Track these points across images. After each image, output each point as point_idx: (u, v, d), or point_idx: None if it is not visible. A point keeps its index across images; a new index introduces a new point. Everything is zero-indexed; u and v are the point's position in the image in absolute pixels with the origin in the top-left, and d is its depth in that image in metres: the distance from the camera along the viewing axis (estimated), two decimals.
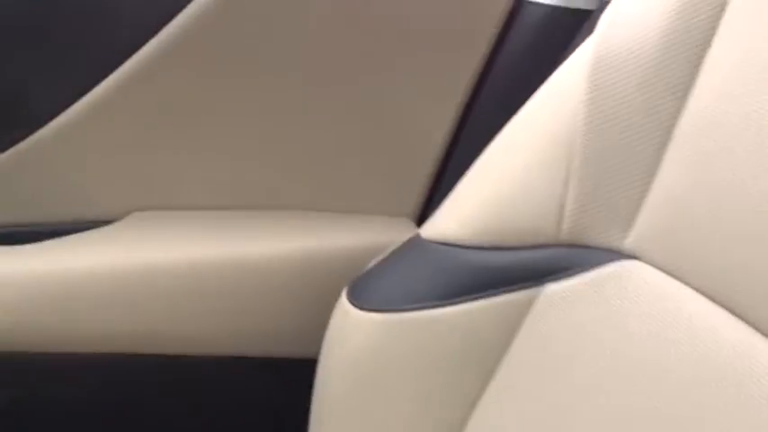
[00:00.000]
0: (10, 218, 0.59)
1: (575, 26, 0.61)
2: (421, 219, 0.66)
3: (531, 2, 0.61)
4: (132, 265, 0.61)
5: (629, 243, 0.45)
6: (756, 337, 0.36)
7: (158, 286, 0.60)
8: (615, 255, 0.46)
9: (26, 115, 0.58)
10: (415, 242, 0.54)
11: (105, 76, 0.57)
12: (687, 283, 0.41)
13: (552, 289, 0.48)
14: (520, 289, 0.49)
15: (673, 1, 0.44)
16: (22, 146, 0.57)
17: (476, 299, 0.50)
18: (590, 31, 0.48)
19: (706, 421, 0.37)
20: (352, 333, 0.55)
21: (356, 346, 0.54)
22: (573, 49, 0.50)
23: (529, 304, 0.49)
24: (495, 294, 0.49)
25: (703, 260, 0.40)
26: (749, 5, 0.41)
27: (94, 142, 0.60)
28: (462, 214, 0.52)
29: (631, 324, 0.44)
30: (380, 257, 0.57)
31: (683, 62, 0.43)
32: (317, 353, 0.58)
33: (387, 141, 0.63)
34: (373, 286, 0.55)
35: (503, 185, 0.51)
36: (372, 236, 0.63)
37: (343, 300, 0.56)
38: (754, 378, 0.35)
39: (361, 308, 0.54)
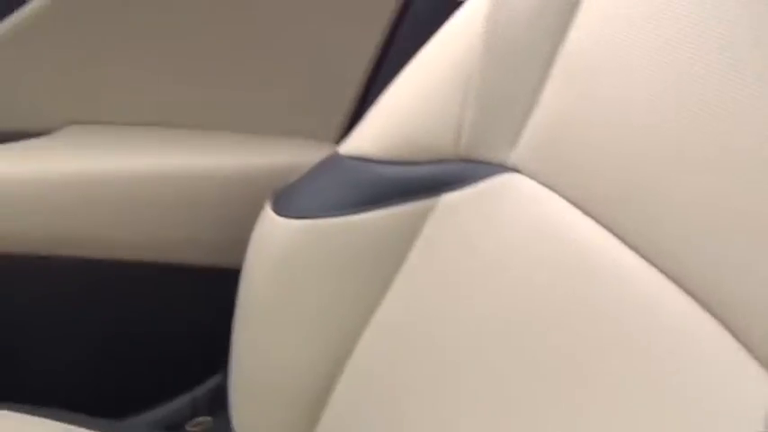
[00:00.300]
0: None
1: None
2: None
3: None
4: (62, 174, 0.65)
5: (513, 158, 0.53)
6: (625, 250, 0.43)
7: (87, 194, 0.65)
8: (501, 168, 0.53)
9: None
10: (334, 158, 0.61)
11: None
12: (561, 195, 0.48)
13: (447, 199, 0.56)
14: (420, 199, 0.56)
15: None
16: None
17: (381, 207, 0.58)
18: None
19: (572, 313, 0.44)
20: (275, 238, 0.61)
21: (278, 249, 0.61)
22: None
23: (426, 214, 0.56)
24: (398, 203, 0.57)
25: (575, 174, 0.48)
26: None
27: (31, 57, 0.63)
28: (374, 132, 0.59)
29: (508, 231, 0.51)
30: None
31: None
32: (240, 265, 0.63)
33: (311, 68, 0.69)
34: (294, 196, 0.62)
35: (409, 107, 0.58)
36: (296, 157, 0.69)
37: (267, 209, 0.62)
38: (618, 278, 0.43)
39: (283, 215, 0.60)
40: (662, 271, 0.40)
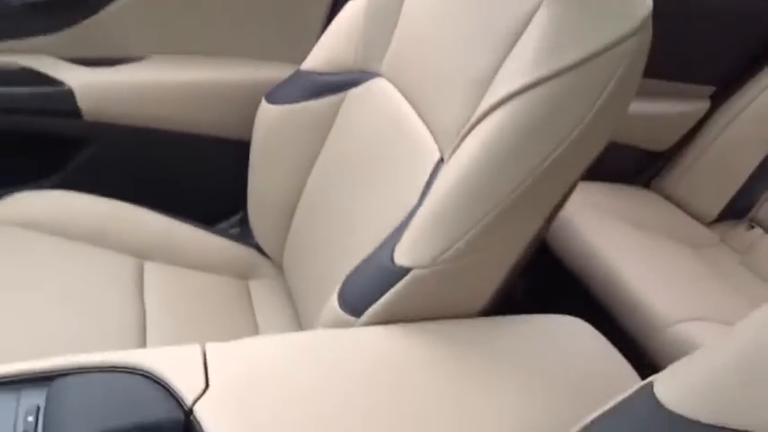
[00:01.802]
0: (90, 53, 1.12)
1: None
2: None
3: None
4: (152, 81, 1.14)
5: (382, 67, 0.97)
6: (422, 125, 0.84)
7: (164, 93, 1.14)
8: (376, 74, 0.96)
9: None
10: (297, 71, 1.06)
11: None
12: (392, 83, 0.91)
13: (350, 94, 1.00)
14: (338, 93, 1.01)
15: None
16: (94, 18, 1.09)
17: (319, 98, 1.03)
18: None
19: (378, 147, 0.90)
20: (265, 116, 1.08)
21: (266, 123, 1.07)
22: None
23: (341, 102, 1.00)
24: (327, 95, 1.02)
25: (399, 71, 0.91)
26: None
27: (129, 18, 1.12)
28: (316, 55, 1.04)
29: (366, 111, 0.95)
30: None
31: None
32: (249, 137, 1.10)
33: (289, 14, 1.14)
34: (276, 93, 1.08)
35: (333, 40, 1.02)
36: (281, 72, 1.13)
37: (263, 101, 1.08)
38: (400, 122, 0.88)
39: (269, 102, 1.07)
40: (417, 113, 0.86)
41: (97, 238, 1.02)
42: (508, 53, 0.72)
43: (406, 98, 0.90)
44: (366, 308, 0.71)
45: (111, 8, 1.08)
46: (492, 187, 0.68)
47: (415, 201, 0.77)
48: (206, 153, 1.19)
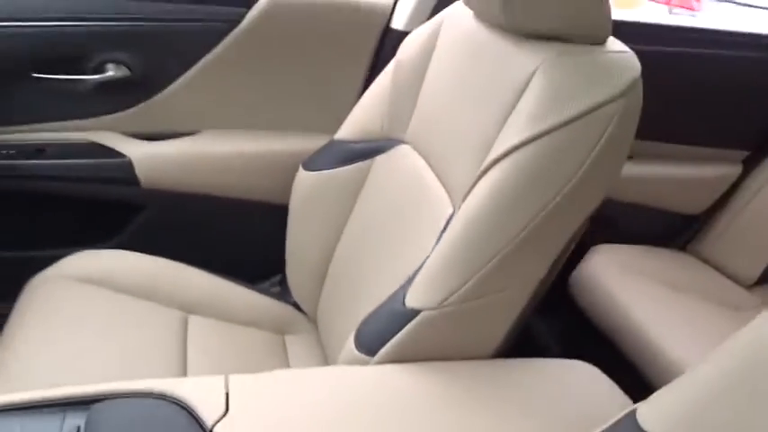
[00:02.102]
0: (149, 129, 1.25)
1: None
2: None
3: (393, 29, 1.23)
4: (204, 154, 1.26)
5: (406, 135, 1.06)
6: (438, 184, 0.91)
7: (214, 164, 1.26)
8: (399, 141, 1.06)
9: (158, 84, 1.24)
10: (331, 141, 1.16)
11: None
12: (416, 150, 1.01)
13: (377, 160, 1.09)
14: (366, 159, 1.10)
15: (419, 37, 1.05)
16: (153, 99, 1.23)
17: (349, 164, 1.12)
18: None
19: (403, 209, 0.98)
20: (301, 181, 1.18)
21: (302, 187, 1.17)
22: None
23: (369, 168, 1.10)
24: (358, 161, 1.11)
25: (423, 138, 0.99)
26: (443, 54, 1.00)
27: (182, 99, 1.25)
28: (347, 126, 1.14)
29: (392, 177, 1.03)
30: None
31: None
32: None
33: (327, 94, 1.26)
34: (314, 159, 1.17)
35: (361, 112, 1.12)
36: (317, 142, 1.23)
37: (300, 168, 1.18)
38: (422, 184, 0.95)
39: (306, 170, 1.17)
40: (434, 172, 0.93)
41: (147, 293, 1.11)
42: (510, 113, 0.79)
43: (426, 161, 0.98)
44: (379, 348, 0.77)
45: (166, 91, 1.22)
46: (496, 232, 0.74)
47: (429, 250, 0.83)
48: (249, 217, 1.30)
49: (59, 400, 0.67)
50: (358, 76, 1.25)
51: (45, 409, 0.66)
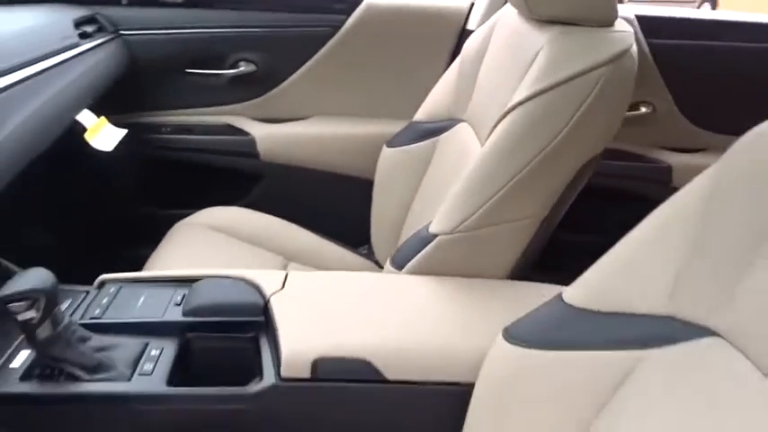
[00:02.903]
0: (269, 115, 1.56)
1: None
2: None
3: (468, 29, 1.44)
4: (309, 133, 1.55)
5: (465, 114, 1.25)
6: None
7: (324, 143, 1.54)
8: (460, 120, 1.25)
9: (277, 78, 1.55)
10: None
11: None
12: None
13: (442, 138, 1.28)
14: (434, 136, 1.31)
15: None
16: (274, 91, 1.54)
17: (421, 141, 1.34)
18: None
19: None
20: (383, 160, 1.41)
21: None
22: None
23: (436, 144, 1.27)
24: (428, 138, 1.33)
25: (476, 115, 1.16)
26: (494, 47, 1.19)
27: (296, 91, 1.55)
28: (423, 107, 1.35)
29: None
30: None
31: None
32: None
33: (407, 91, 1.50)
34: (396, 138, 1.40)
35: (436, 94, 1.33)
36: (398, 127, 1.46)
37: (384, 147, 1.42)
38: None
39: (389, 147, 1.40)
40: None
41: (259, 241, 1.40)
42: (523, 78, 0.98)
43: (476, 133, 1.17)
44: (405, 264, 0.98)
45: (283, 84, 1.55)
46: (502, 169, 0.93)
47: None
48: (344, 189, 1.56)
49: (172, 278, 0.95)
50: (438, 69, 1.47)
51: (162, 284, 0.95)
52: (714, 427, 0.51)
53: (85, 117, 1.26)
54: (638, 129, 1.50)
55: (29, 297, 0.76)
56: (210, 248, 1.35)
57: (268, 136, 1.53)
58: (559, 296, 0.71)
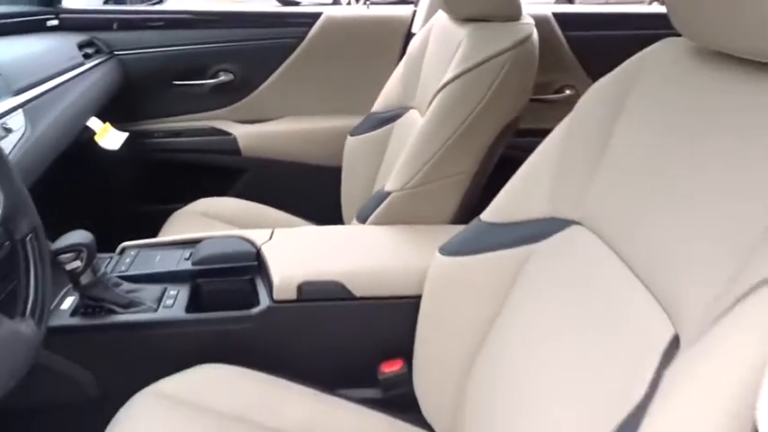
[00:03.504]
0: (247, 117, 1.80)
1: None
2: None
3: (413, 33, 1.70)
4: (277, 130, 1.79)
5: (413, 103, 1.50)
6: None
7: (290, 137, 1.78)
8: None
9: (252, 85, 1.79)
10: (369, 114, 1.61)
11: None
12: (420, 114, 1.41)
13: (396, 123, 1.54)
14: (389, 124, 1.56)
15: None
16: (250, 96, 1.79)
17: (377, 129, 1.59)
18: None
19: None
20: (347, 147, 1.65)
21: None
22: None
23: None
24: (384, 126, 1.58)
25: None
26: (431, 45, 1.45)
27: (275, 91, 1.80)
28: (378, 100, 1.60)
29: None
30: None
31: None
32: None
33: (365, 88, 1.75)
34: (357, 128, 1.65)
35: (386, 90, 1.58)
36: (358, 120, 1.71)
37: (348, 136, 1.66)
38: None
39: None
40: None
41: (246, 224, 1.62)
42: (450, 64, 1.23)
43: (421, 115, 1.42)
44: (367, 218, 1.22)
45: (258, 90, 1.81)
46: (435, 136, 1.18)
47: None
48: (317, 176, 1.80)
49: (181, 241, 1.19)
50: (390, 67, 1.71)
51: (173, 246, 1.18)
52: (579, 308, 0.71)
53: (94, 123, 1.49)
54: (565, 109, 1.76)
55: (74, 249, 0.99)
56: (205, 231, 1.58)
57: (247, 134, 1.79)
58: (479, 218, 0.96)
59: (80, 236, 1.01)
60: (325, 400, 0.99)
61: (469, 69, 1.17)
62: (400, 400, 1.04)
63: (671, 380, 0.52)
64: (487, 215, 0.94)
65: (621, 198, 0.72)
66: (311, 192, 1.80)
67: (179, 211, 1.65)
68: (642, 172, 0.70)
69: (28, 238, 0.80)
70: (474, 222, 0.96)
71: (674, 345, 0.58)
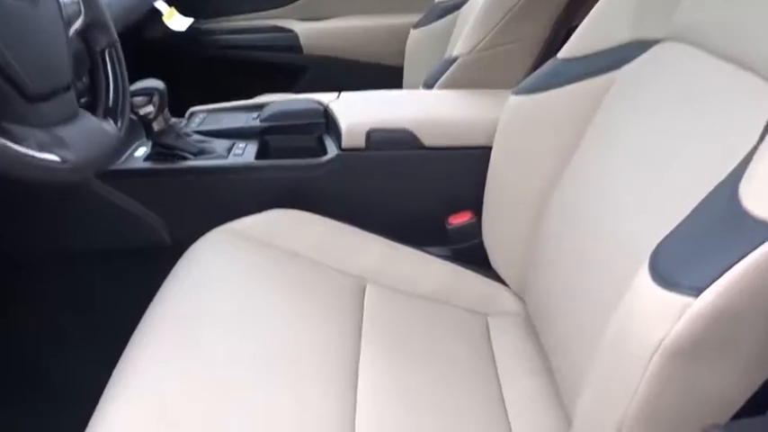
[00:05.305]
0: (308, 15, 1.80)
1: None
2: None
3: None
4: (342, 27, 1.78)
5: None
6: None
7: (350, 34, 1.77)
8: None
9: None
10: (433, 5, 1.59)
11: None
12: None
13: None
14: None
15: None
16: None
17: (438, 19, 1.55)
18: None
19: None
20: (411, 40, 1.63)
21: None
22: None
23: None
24: (447, 15, 1.54)
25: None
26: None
27: None
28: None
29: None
30: None
31: None
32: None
33: None
34: (419, 21, 1.62)
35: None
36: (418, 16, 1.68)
37: (411, 30, 1.64)
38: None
39: (414, 28, 1.61)
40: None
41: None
42: None
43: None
44: (434, 83, 1.20)
45: None
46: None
47: None
48: (377, 75, 1.76)
49: (249, 105, 1.20)
50: None
51: (241, 110, 1.19)
52: (688, 120, 0.65)
53: (161, 5, 1.51)
54: None
55: (147, 93, 1.00)
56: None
57: (309, 32, 1.79)
58: (555, 57, 0.91)
59: (152, 82, 1.02)
60: (395, 247, 0.99)
61: None
62: (469, 253, 1.03)
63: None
64: (564, 52, 0.89)
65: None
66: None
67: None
68: None
69: (107, 51, 0.81)
70: (549, 62, 0.91)
71: None
